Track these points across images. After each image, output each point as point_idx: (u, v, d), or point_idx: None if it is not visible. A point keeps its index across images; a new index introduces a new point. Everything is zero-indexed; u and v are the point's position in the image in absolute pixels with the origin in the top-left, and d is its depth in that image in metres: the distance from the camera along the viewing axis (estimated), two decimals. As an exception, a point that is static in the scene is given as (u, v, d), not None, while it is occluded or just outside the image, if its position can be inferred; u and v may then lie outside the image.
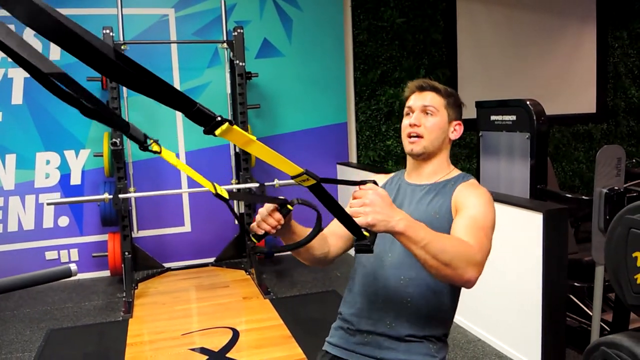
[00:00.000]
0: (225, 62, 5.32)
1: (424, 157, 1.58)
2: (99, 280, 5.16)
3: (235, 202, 4.91)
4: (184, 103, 0.91)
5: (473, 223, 1.44)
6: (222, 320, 3.94)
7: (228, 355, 3.38)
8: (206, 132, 0.97)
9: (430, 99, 1.57)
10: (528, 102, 3.62)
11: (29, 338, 3.83)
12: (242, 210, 5.00)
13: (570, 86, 6.70)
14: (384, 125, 5.86)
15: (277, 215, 1.38)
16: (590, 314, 3.27)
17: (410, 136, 1.56)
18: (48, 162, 5.13)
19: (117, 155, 4.58)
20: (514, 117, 3.74)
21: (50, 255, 5.17)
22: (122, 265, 4.73)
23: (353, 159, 5.87)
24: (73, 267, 1.63)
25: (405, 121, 1.59)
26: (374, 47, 5.80)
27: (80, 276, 5.22)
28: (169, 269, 5.27)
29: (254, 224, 1.41)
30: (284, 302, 4.27)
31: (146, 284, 4.89)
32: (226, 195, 1.35)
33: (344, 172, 5.62)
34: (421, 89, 1.59)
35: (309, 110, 5.70)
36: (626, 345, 2.06)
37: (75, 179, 5.20)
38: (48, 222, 5.17)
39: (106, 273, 5.12)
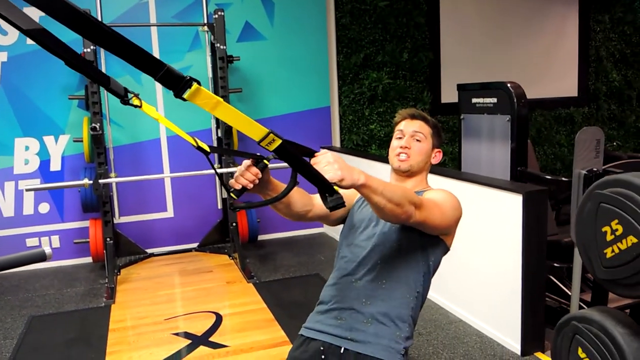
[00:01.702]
0: (206, 46, 5.27)
1: (408, 174, 1.75)
2: (81, 266, 5.12)
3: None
4: (153, 65, 0.95)
5: (426, 197, 1.61)
6: (205, 305, 3.94)
7: (211, 339, 3.39)
8: (176, 95, 1.00)
9: (420, 126, 1.76)
10: (509, 85, 3.64)
11: (10, 325, 3.80)
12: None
13: (552, 70, 6.73)
14: (367, 109, 5.85)
15: (254, 170, 1.44)
16: (570, 294, 3.32)
17: (399, 155, 1.73)
18: (27, 148, 5.06)
19: (97, 140, 4.52)
20: (494, 100, 3.75)
21: (31, 242, 5.11)
22: (104, 252, 4.69)
23: (336, 143, 5.86)
24: (47, 250, 1.61)
25: (396, 142, 1.76)
26: (357, 30, 5.77)
27: (62, 263, 5.19)
28: (152, 255, 5.24)
29: (232, 180, 1.45)
30: (267, 286, 4.28)
31: (129, 270, 4.87)
32: (207, 149, 1.39)
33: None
34: (413, 117, 1.78)
35: (291, 94, 5.67)
36: (596, 319, 2.09)
37: (55, 165, 5.13)
38: (28, 209, 5.11)
39: (88, 259, 5.08)
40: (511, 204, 3.09)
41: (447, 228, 1.63)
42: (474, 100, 3.96)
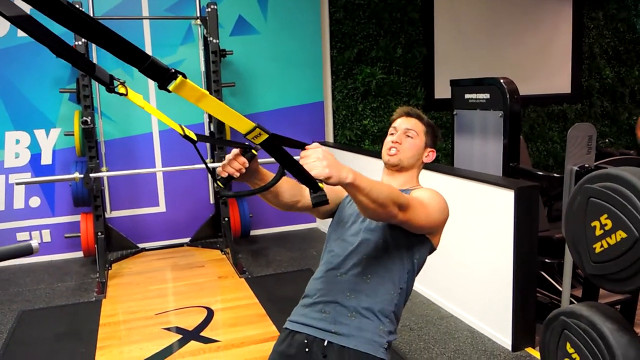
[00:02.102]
0: (199, 39, 5.24)
1: (398, 168, 1.76)
2: (72, 261, 5.09)
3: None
4: (138, 56, 0.95)
5: (413, 196, 1.61)
6: (196, 300, 3.93)
7: (202, 334, 3.38)
8: (161, 87, 1.00)
9: (413, 124, 1.78)
10: (502, 81, 3.63)
11: (0, 320, 3.77)
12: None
13: (545, 66, 6.74)
14: (361, 104, 5.84)
15: (242, 159, 1.45)
16: (561, 289, 3.33)
17: (390, 149, 1.75)
18: (18, 141, 5.02)
19: (88, 134, 4.49)
20: (487, 96, 3.75)
21: (22, 236, 5.08)
22: (95, 246, 4.67)
23: (330, 138, 5.85)
24: (34, 244, 1.59)
25: (389, 138, 1.78)
26: (350, 25, 5.75)
27: (53, 257, 5.16)
28: (144, 250, 5.22)
29: (219, 168, 1.46)
30: (259, 281, 4.27)
31: (120, 264, 4.85)
32: (194, 137, 1.39)
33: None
34: (408, 115, 1.80)
35: (285, 89, 5.65)
36: (585, 314, 2.09)
37: (46, 159, 5.09)
38: (19, 203, 5.08)
39: (79, 254, 5.05)
40: (503, 200, 3.09)
41: (432, 228, 1.64)
42: (467, 95, 3.96)
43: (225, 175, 1.45)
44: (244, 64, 5.46)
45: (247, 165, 1.45)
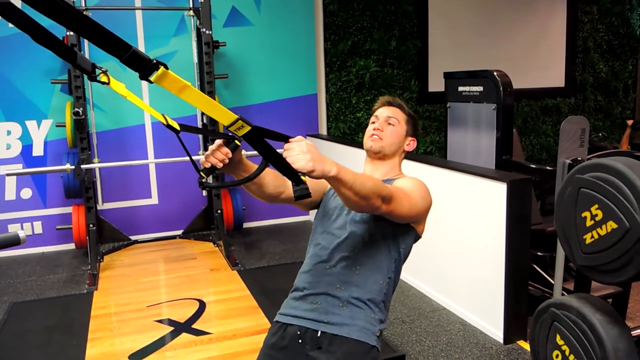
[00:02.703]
0: (192, 31, 5.20)
1: (380, 156, 1.77)
2: (63, 253, 5.07)
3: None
4: (119, 46, 0.96)
5: (396, 186, 1.62)
6: (188, 292, 3.91)
7: (194, 326, 3.36)
8: (142, 78, 1.01)
9: (394, 112, 1.80)
10: (495, 73, 3.63)
11: (-10, 311, 3.76)
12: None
13: (539, 60, 6.74)
14: (355, 97, 5.82)
15: (225, 150, 1.45)
16: (553, 282, 3.34)
17: (372, 136, 1.77)
18: (9, 132, 4.98)
19: (79, 125, 4.46)
20: (480, 88, 3.74)
21: (13, 228, 5.04)
22: (87, 238, 4.64)
23: (323, 130, 5.83)
24: (22, 234, 1.58)
25: (370, 126, 1.80)
26: (344, 17, 5.72)
27: (45, 249, 5.14)
28: (136, 242, 5.20)
29: (202, 159, 1.46)
30: (251, 273, 4.26)
31: (112, 256, 4.82)
32: (177, 127, 1.38)
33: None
34: (389, 104, 1.82)
35: (278, 81, 5.62)
36: (575, 306, 2.08)
37: (38, 150, 5.06)
38: (10, 195, 5.04)
39: (71, 246, 5.03)
40: (495, 193, 3.09)
41: (416, 217, 1.65)
42: (460, 88, 3.95)
43: (208, 165, 1.44)
44: (237, 55, 5.43)
45: (230, 156, 1.45)
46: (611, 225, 1.84)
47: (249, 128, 1.13)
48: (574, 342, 2.06)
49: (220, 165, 1.44)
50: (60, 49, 1.12)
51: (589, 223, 1.92)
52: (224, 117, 1.10)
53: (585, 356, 2.02)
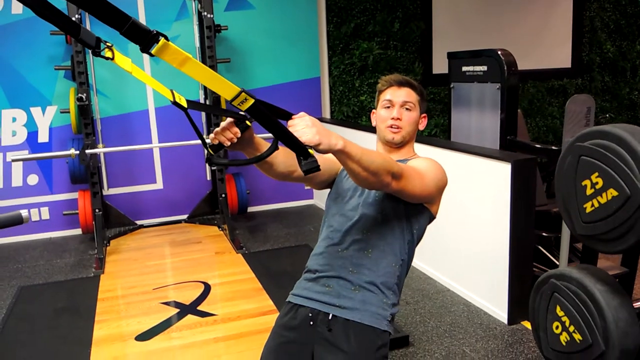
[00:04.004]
0: (193, 15, 5.18)
1: (400, 145, 1.73)
2: (71, 238, 5.11)
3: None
4: (118, 17, 0.93)
5: (409, 165, 1.59)
6: (194, 275, 3.94)
7: (199, 308, 3.40)
8: (143, 50, 0.99)
9: (408, 95, 1.72)
10: (499, 52, 3.59)
11: (0, 295, 3.80)
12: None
13: (546, 40, 6.66)
14: (358, 80, 5.79)
15: (235, 129, 1.43)
16: (557, 263, 3.33)
17: (392, 127, 1.70)
18: (14, 119, 5.00)
19: (83, 111, 4.47)
20: (485, 68, 3.71)
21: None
22: (93, 223, 4.67)
23: (327, 114, 5.81)
24: (24, 213, 1.60)
25: (385, 113, 1.72)
26: (347, -1, 5.67)
27: (52, 234, 5.18)
28: (142, 226, 5.23)
29: (211, 135, 1.44)
30: (256, 256, 4.28)
31: (118, 241, 4.86)
32: (185, 104, 1.34)
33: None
34: (400, 84, 1.73)
35: (281, 64, 5.59)
36: (575, 276, 2.06)
37: (43, 137, 5.08)
38: (17, 181, 5.07)
39: (78, 231, 5.07)
40: (499, 173, 3.07)
41: (428, 197, 1.62)
42: (464, 68, 3.92)
43: (216, 142, 1.43)
44: (239, 39, 5.40)
45: (238, 135, 1.43)
46: (611, 193, 1.81)
47: (252, 101, 1.11)
48: (574, 312, 2.04)
49: (228, 143, 1.42)
50: (63, 23, 1.10)
51: (589, 191, 1.88)
52: (227, 90, 1.08)
53: (585, 327, 2.00)
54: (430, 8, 6.03)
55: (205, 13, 4.69)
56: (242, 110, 1.15)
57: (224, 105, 4.88)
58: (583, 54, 6.89)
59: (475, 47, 4.07)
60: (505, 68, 3.54)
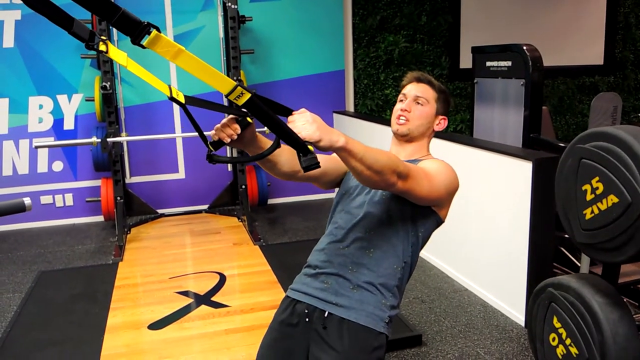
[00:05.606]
0: (218, 6, 5.18)
1: (407, 138, 1.70)
2: (93, 224, 5.19)
3: (228, 148, 4.85)
4: (107, 8, 0.91)
5: (418, 166, 1.56)
6: (210, 265, 3.96)
7: (213, 298, 3.41)
8: (134, 42, 0.97)
9: (424, 91, 1.71)
10: (524, 47, 3.50)
11: (20, 279, 3.87)
12: (235, 154, 4.96)
13: (577, 36, 6.48)
14: (383, 73, 5.72)
15: (235, 126, 1.40)
16: (579, 266, 3.24)
17: (399, 118, 1.69)
18: (41, 106, 5.08)
19: (107, 99, 4.52)
20: (509, 63, 3.62)
21: (45, 199, 5.18)
22: (115, 210, 4.73)
23: (350, 107, 5.77)
24: (27, 201, 1.59)
25: (398, 105, 1.72)
26: (374, -9, 5.61)
27: (75, 220, 5.27)
28: (162, 215, 5.28)
29: (212, 131, 1.43)
30: (273, 248, 4.28)
31: (139, 229, 4.91)
32: (182, 100, 1.31)
33: (341, 122, 5.53)
34: (418, 80, 1.73)
35: (305, 56, 5.56)
36: (573, 286, 1.96)
37: (69, 124, 5.16)
38: (42, 167, 5.17)
39: (100, 218, 5.14)
40: (520, 172, 3.00)
41: (437, 199, 1.57)
42: (489, 63, 3.83)
43: (216, 139, 1.41)
44: (263, 30, 5.39)
45: (238, 132, 1.41)
46: (612, 199, 1.71)
47: (248, 96, 1.09)
48: (571, 325, 1.95)
49: (228, 140, 1.40)
50: (54, 15, 1.08)
51: (589, 197, 1.79)
52: (222, 84, 1.05)
53: (582, 340, 1.91)
54: (458, 1, 5.93)
55: (230, 4, 4.69)
56: (238, 105, 1.12)
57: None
58: (616, 50, 6.68)
59: (503, 42, 3.97)
60: (530, 64, 3.44)
